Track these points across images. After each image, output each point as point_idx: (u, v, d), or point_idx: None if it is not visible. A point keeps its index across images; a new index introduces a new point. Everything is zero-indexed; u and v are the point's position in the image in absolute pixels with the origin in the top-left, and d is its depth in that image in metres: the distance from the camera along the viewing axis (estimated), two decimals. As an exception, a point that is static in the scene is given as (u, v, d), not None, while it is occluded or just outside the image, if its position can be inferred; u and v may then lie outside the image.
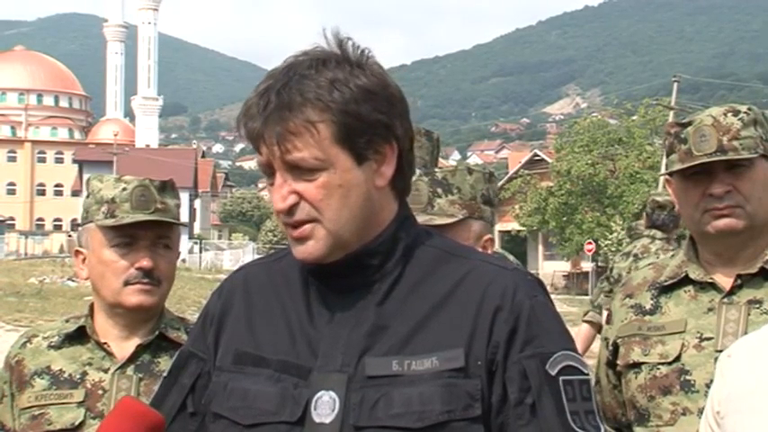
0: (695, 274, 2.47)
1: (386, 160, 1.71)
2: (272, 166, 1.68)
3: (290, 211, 1.68)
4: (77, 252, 2.64)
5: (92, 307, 2.63)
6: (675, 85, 43.02)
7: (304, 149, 1.65)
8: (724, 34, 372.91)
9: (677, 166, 2.43)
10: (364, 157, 1.69)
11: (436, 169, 2.83)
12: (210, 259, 54.97)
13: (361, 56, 1.71)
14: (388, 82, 1.72)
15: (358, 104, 1.67)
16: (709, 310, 2.42)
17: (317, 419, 1.65)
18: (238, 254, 57.04)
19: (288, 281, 1.80)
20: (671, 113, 40.22)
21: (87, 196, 2.61)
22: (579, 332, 6.80)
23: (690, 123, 2.43)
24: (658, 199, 6.91)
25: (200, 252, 54.73)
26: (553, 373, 1.67)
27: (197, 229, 74.88)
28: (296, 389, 1.68)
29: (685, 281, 2.48)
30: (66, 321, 2.67)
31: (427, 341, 1.67)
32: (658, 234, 6.67)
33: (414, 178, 2.61)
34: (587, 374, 1.73)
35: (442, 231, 2.56)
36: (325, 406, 1.66)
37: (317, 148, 1.65)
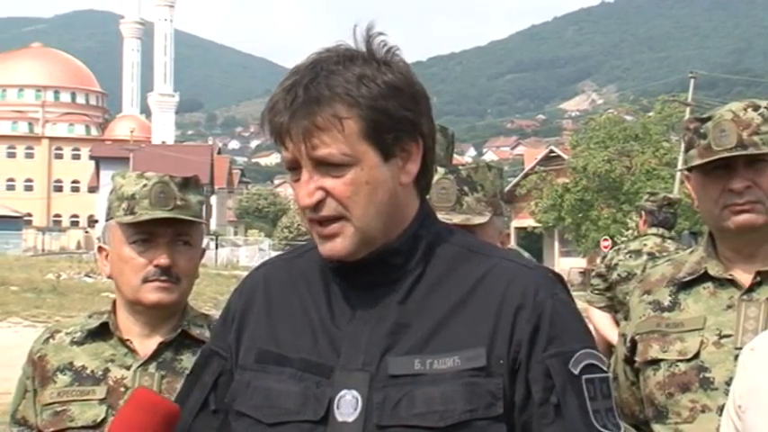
0: (714, 270, 2.46)
1: (411, 157, 1.72)
2: (298, 162, 1.68)
3: (317, 207, 1.68)
4: (101, 249, 2.64)
5: (114, 303, 2.63)
6: (692, 81, 42.89)
7: (332, 145, 1.64)
8: (741, 30, 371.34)
9: (697, 162, 2.42)
10: (391, 154, 1.69)
11: (460, 167, 2.83)
12: (227, 255, 55.06)
13: (387, 53, 1.71)
14: (414, 79, 1.72)
15: (386, 100, 1.67)
16: (729, 306, 2.41)
17: (339, 418, 1.65)
18: (254, 250, 57.11)
19: (308, 278, 1.80)
20: (687, 110, 40.12)
21: (111, 192, 2.61)
22: (599, 319, 6.68)
23: (709, 119, 2.42)
24: (671, 196, 6.86)
25: (217, 248, 54.80)
26: (576, 372, 1.68)
27: (213, 226, 74.97)
28: (318, 388, 1.68)
29: (704, 277, 2.47)
30: (90, 317, 2.67)
31: (449, 340, 1.68)
32: (666, 233, 6.62)
33: (438, 177, 2.63)
34: (607, 372, 1.75)
35: (472, 230, 2.57)
36: (348, 405, 1.66)
37: (345, 144, 1.65)
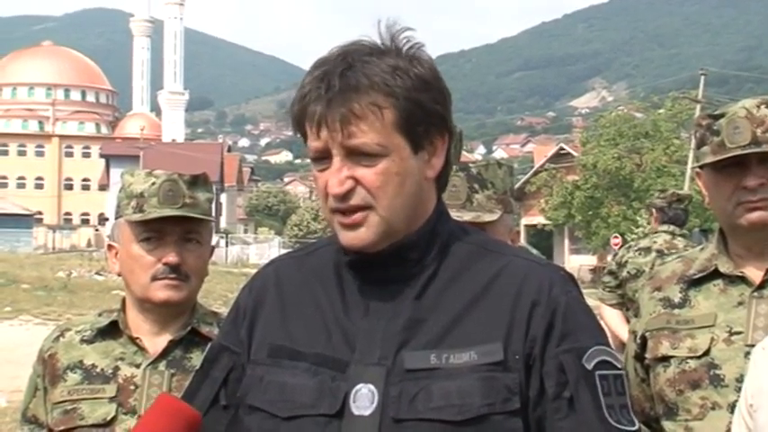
0: (725, 267, 2.44)
1: (437, 152, 1.73)
2: (329, 151, 1.67)
3: (346, 196, 1.67)
4: (110, 246, 2.64)
5: (124, 301, 2.63)
6: (702, 78, 42.80)
7: (368, 133, 1.65)
8: (752, 27, 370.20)
9: (710, 159, 2.40)
10: (420, 147, 1.70)
11: (470, 165, 2.83)
12: (237, 253, 55.18)
13: (412, 48, 1.72)
14: (440, 75, 1.74)
15: (419, 93, 1.68)
16: (739, 303, 2.40)
17: (356, 412, 1.66)
18: (264, 248, 57.25)
19: (320, 274, 1.80)
20: (698, 107, 40.05)
21: (120, 190, 2.61)
22: (610, 316, 6.68)
23: (722, 116, 2.41)
24: (680, 192, 6.87)
25: (227, 246, 54.92)
26: (589, 367, 1.69)
27: (223, 224, 75.11)
28: (333, 382, 1.69)
29: (715, 274, 2.46)
30: (99, 315, 2.67)
31: (464, 335, 1.68)
32: (677, 230, 6.61)
33: None
34: (621, 369, 1.75)
35: (483, 227, 2.57)
36: (364, 399, 1.66)
37: (380, 134, 1.65)
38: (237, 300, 1.90)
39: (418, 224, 1.74)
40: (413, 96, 1.67)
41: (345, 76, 1.65)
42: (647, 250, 6.59)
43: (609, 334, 6.37)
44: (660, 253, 6.43)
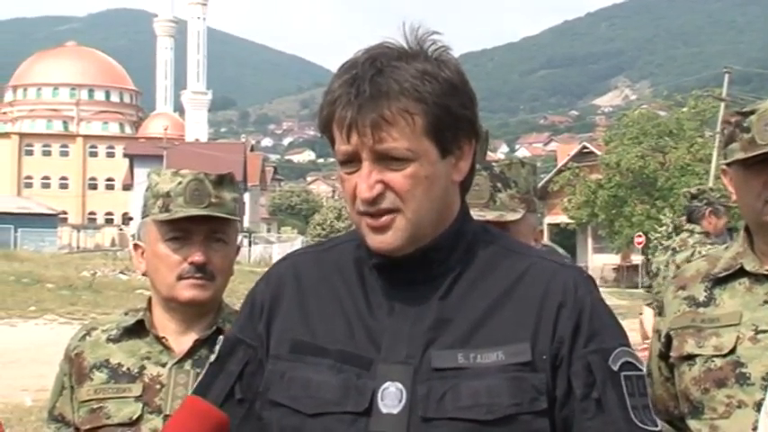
0: (751, 265, 2.43)
1: (464, 156, 1.74)
2: (358, 155, 1.68)
3: (375, 200, 1.68)
4: (136, 246, 2.65)
5: (150, 301, 2.64)
6: (726, 76, 42.57)
7: (399, 139, 1.65)
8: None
9: (739, 155, 2.39)
10: (448, 151, 1.71)
11: (493, 164, 2.83)
12: (260, 252, 55.34)
13: (438, 51, 1.73)
14: (467, 79, 1.74)
15: (447, 98, 1.68)
16: (765, 302, 2.39)
17: (384, 410, 1.66)
18: (287, 247, 57.30)
19: (341, 272, 1.80)
20: (721, 105, 39.88)
21: (147, 190, 2.62)
22: (646, 315, 6.82)
23: (752, 112, 2.40)
24: (691, 190, 6.96)
25: (250, 245, 55.12)
26: (615, 368, 1.71)
27: (246, 223, 75.24)
28: (359, 379, 1.69)
29: (740, 273, 2.45)
30: (125, 315, 2.68)
31: (491, 335, 1.69)
32: (697, 228, 6.65)
33: None
34: (642, 370, 1.77)
35: (506, 226, 2.57)
36: (392, 397, 1.67)
37: (410, 139, 1.66)
38: (253, 293, 1.88)
39: (444, 227, 1.74)
40: (442, 102, 1.68)
41: (376, 82, 1.65)
42: (666, 249, 6.74)
43: (642, 333, 6.55)
44: (674, 251, 6.56)
